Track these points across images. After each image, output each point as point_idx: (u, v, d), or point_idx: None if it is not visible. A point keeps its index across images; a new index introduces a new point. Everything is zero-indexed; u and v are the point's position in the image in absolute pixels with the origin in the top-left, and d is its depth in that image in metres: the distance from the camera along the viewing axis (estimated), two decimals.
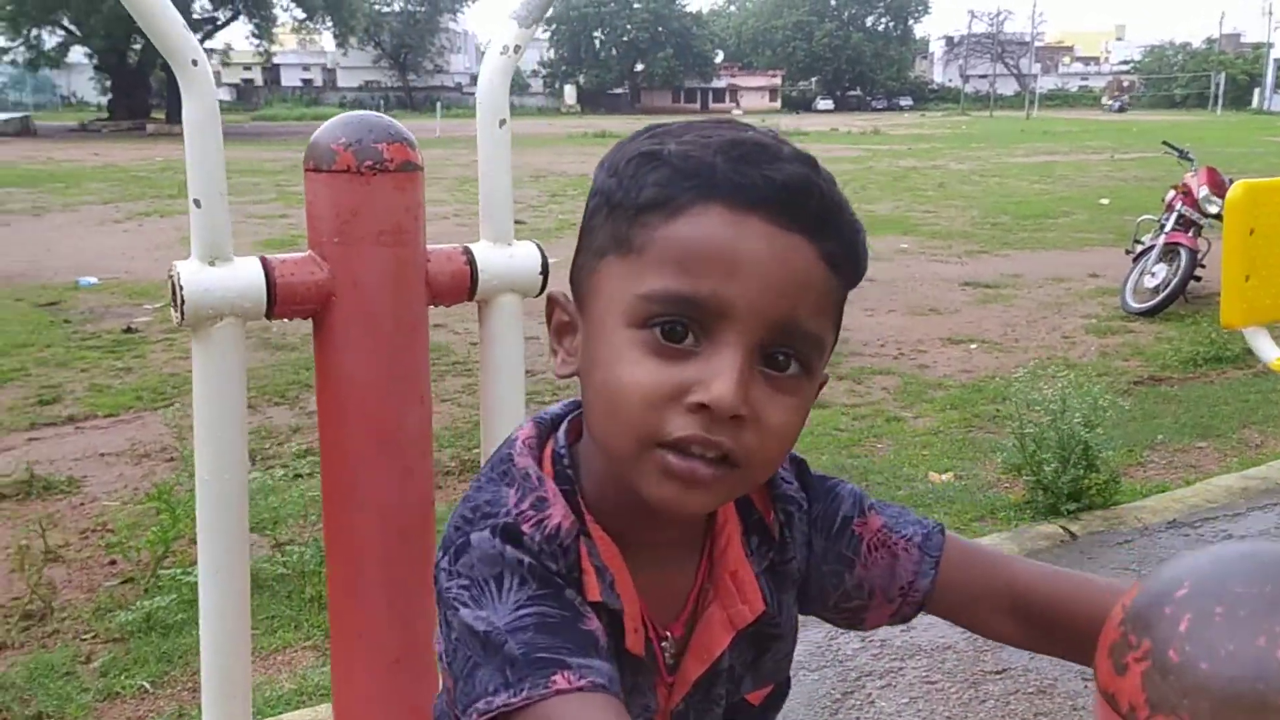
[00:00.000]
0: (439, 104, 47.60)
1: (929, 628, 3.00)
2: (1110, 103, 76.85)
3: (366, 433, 1.33)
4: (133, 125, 38.58)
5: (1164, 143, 8.77)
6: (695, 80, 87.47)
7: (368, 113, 1.27)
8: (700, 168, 0.69)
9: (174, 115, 36.15)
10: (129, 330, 6.93)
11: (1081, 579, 0.85)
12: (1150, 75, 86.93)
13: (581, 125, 44.44)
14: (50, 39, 40.76)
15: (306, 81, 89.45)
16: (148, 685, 2.78)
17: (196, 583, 1.38)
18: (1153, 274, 7.53)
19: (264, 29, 48.26)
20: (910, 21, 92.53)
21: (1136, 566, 3.45)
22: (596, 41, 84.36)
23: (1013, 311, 7.83)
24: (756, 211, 0.68)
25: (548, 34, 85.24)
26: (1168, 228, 7.53)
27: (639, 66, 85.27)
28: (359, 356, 1.31)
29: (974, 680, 2.79)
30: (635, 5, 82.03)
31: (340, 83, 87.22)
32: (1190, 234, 7.42)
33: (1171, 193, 7.81)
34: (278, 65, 79.71)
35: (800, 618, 0.90)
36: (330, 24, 48.23)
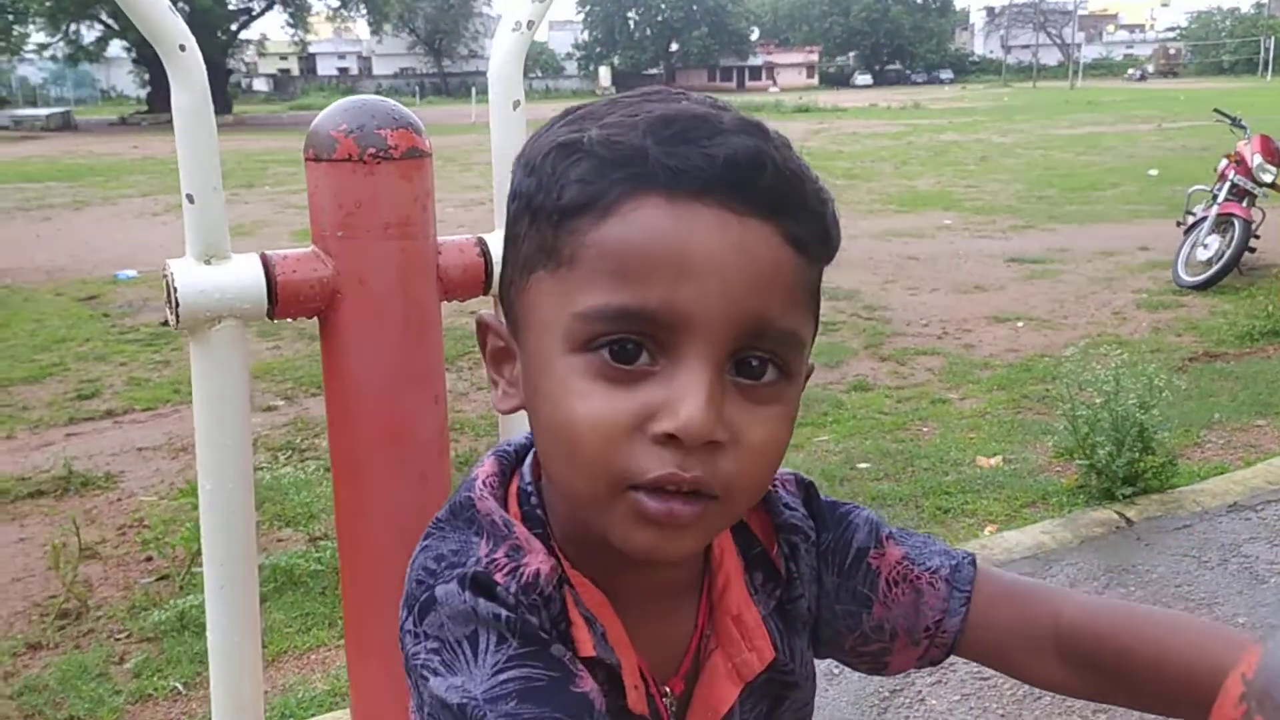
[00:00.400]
0: (474, 89, 47.64)
1: None
2: (1133, 71, 77.64)
3: (378, 438, 1.26)
4: (171, 118, 38.91)
5: (1215, 110, 8.51)
6: (731, 59, 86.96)
7: (370, 96, 1.18)
8: (628, 154, 0.57)
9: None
10: (166, 323, 6.94)
11: (1142, 614, 0.72)
12: (1197, 42, 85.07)
13: None
14: (89, 33, 41.25)
15: (342, 70, 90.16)
16: (180, 686, 2.75)
17: None
18: (1205, 246, 7.35)
19: (299, 18, 48.63)
20: None
21: (1196, 553, 3.32)
22: (631, 22, 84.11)
23: (1060, 287, 7.63)
24: (702, 198, 0.57)
25: (581, 15, 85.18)
26: (1220, 198, 7.35)
27: (674, 46, 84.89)
28: (368, 357, 1.23)
29: None
30: None
31: (376, 70, 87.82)
32: (1244, 204, 7.26)
33: (1224, 162, 7.63)
34: (313, 55, 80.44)
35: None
36: (364, 11, 48.45)
